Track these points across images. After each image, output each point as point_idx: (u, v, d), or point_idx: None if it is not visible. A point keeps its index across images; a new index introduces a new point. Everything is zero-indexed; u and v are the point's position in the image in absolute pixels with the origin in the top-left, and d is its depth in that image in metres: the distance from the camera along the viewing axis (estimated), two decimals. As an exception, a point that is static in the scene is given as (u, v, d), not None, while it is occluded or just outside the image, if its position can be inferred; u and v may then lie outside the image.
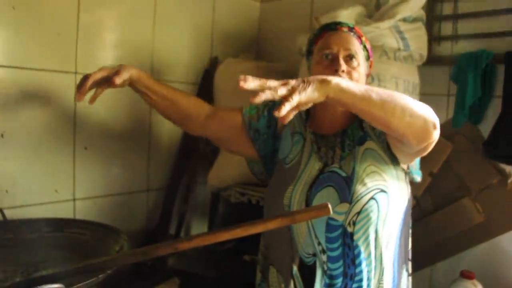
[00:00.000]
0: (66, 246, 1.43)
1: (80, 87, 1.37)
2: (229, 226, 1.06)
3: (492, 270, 1.78)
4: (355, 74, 1.28)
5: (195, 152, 2.22)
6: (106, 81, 1.39)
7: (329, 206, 1.03)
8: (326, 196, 1.24)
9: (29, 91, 1.70)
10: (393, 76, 1.73)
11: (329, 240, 1.23)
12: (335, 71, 1.25)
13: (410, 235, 1.38)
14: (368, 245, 1.23)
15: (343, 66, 1.26)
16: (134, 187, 2.08)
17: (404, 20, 1.78)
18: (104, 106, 1.91)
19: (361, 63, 1.31)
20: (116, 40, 1.94)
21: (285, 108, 0.97)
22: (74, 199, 1.86)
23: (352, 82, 1.09)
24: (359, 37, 1.34)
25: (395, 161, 1.29)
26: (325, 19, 1.73)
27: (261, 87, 0.99)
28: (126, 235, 1.45)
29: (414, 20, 1.81)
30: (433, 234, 1.89)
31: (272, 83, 1.00)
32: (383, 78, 1.71)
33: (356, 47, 1.31)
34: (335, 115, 1.34)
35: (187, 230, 2.28)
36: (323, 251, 1.24)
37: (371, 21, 1.76)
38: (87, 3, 1.81)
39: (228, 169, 2.05)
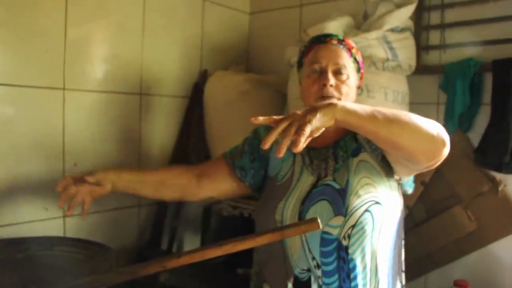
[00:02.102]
0: (55, 265, 1.40)
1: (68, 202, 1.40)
2: (218, 242, 1.05)
3: (486, 278, 1.77)
4: (344, 88, 1.28)
5: (186, 164, 2.20)
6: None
7: (319, 220, 1.03)
8: (320, 210, 1.22)
9: (16, 108, 1.69)
10: (382, 86, 1.73)
11: (323, 255, 1.22)
12: (323, 85, 1.26)
13: (403, 246, 1.37)
14: (363, 258, 1.22)
15: (331, 81, 1.26)
16: (125, 202, 2.06)
17: (392, 30, 1.79)
18: (92, 121, 1.90)
19: (350, 76, 1.30)
20: (105, 55, 1.94)
21: (301, 142, 0.97)
22: (64, 216, 1.84)
23: (357, 104, 1.08)
24: (349, 50, 1.33)
25: (389, 173, 1.28)
26: (313, 31, 1.73)
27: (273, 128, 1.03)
28: (116, 252, 1.43)
29: (402, 30, 1.82)
30: (425, 243, 1.89)
31: (282, 123, 1.02)
32: (372, 88, 1.71)
33: (345, 60, 1.30)
34: (332, 130, 1.29)
35: (179, 245, 2.26)
36: (318, 266, 1.22)
37: (359, 32, 1.77)
38: (74, 19, 1.80)
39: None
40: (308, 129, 0.98)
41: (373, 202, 1.22)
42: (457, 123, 1.84)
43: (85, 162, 1.88)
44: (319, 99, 1.26)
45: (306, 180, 1.29)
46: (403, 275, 1.37)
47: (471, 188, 1.84)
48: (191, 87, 2.26)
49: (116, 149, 2.00)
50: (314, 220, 1.03)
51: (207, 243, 2.20)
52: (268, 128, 1.35)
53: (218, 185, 1.47)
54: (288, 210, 1.26)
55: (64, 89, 1.80)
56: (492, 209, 1.79)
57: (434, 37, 1.95)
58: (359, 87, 1.38)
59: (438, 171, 1.87)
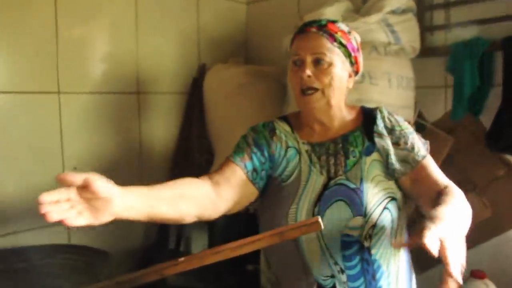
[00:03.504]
0: (56, 274, 1.39)
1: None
2: (216, 248, 1.01)
3: (503, 268, 1.71)
4: (325, 78, 1.21)
5: (189, 163, 2.17)
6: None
7: (320, 220, 0.97)
8: (337, 212, 1.17)
9: (11, 115, 1.66)
10: (385, 72, 1.67)
11: (346, 258, 1.17)
12: (301, 78, 1.21)
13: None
14: (386, 257, 1.19)
15: (308, 72, 1.20)
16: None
17: (393, 12, 1.72)
18: (90, 124, 1.87)
19: (335, 63, 1.22)
20: (99, 55, 1.90)
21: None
22: (67, 222, 1.81)
23: (452, 218, 1.01)
24: (331, 35, 1.24)
25: (394, 170, 1.24)
26: (310, 18, 1.66)
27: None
28: (117, 258, 1.40)
29: (404, 11, 1.75)
30: (439, 233, 1.83)
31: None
32: (375, 75, 1.65)
33: (326, 46, 1.22)
34: (331, 122, 1.27)
35: (187, 244, 2.23)
36: (342, 271, 1.17)
37: (358, 16, 1.71)
38: (65, 20, 1.76)
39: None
40: (463, 266, 0.94)
41: (390, 199, 1.20)
42: (466, 106, 1.77)
43: (85, 166, 1.84)
44: (302, 96, 1.23)
45: (317, 180, 1.22)
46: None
47: (485, 173, 1.77)
48: (190, 82, 2.21)
49: (117, 150, 1.97)
50: (315, 220, 0.97)
51: (214, 241, 2.17)
52: (267, 124, 1.31)
53: (237, 192, 1.21)
54: (301, 214, 1.19)
55: (59, 92, 1.77)
56: (508, 195, 1.73)
57: (438, 17, 1.88)
58: (357, 72, 1.30)
59: (449, 157, 1.81)
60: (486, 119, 1.77)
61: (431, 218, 0.98)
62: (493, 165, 1.76)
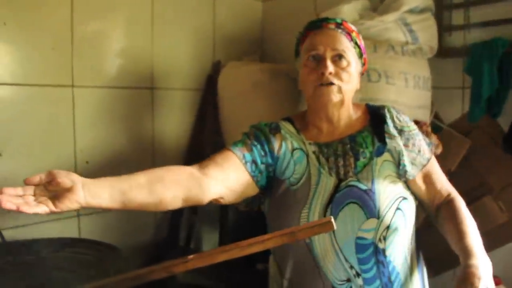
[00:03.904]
0: (66, 267, 1.38)
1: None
2: (225, 246, 1.00)
3: (519, 274, 1.67)
4: (344, 75, 1.19)
5: (202, 160, 2.15)
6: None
7: (332, 220, 0.96)
8: (350, 215, 1.15)
9: (25, 108, 1.67)
10: (402, 72, 1.64)
11: (361, 261, 1.15)
12: (322, 74, 1.17)
13: None
14: (400, 258, 1.19)
15: (330, 68, 1.17)
16: (141, 199, 2.03)
17: (411, 11, 1.70)
18: (103, 118, 1.87)
19: (352, 62, 1.21)
20: (113, 50, 1.90)
21: None
22: (78, 215, 1.82)
23: (483, 253, 1.09)
24: (349, 33, 1.23)
25: (406, 171, 1.23)
26: (327, 15, 1.65)
27: None
28: (127, 253, 1.40)
29: (422, 10, 1.72)
30: (453, 236, 1.79)
31: None
32: (391, 74, 1.62)
33: (345, 45, 1.21)
34: (339, 121, 1.24)
35: (197, 241, 2.22)
36: (358, 274, 1.15)
37: (375, 15, 1.68)
38: (80, 15, 1.77)
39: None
40: None
41: (401, 198, 1.19)
42: (484, 108, 1.73)
43: (97, 160, 1.85)
44: (319, 88, 1.19)
45: (327, 183, 1.19)
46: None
47: (501, 177, 1.74)
48: (204, 79, 2.21)
49: (129, 145, 1.97)
50: (328, 220, 0.96)
51: (225, 239, 2.16)
52: (269, 124, 1.27)
53: (228, 174, 1.15)
54: (313, 218, 1.16)
55: (73, 86, 1.77)
56: (525, 199, 1.69)
57: (457, 17, 1.85)
58: (362, 74, 1.29)
59: (466, 159, 1.78)
60: (504, 121, 1.73)
61: (470, 267, 1.02)
62: (510, 168, 1.72)
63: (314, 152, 1.23)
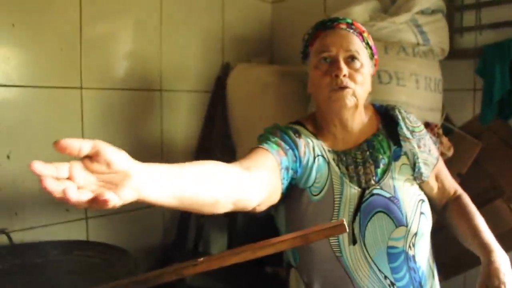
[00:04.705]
0: (73, 270, 1.38)
1: None
2: (236, 248, 0.98)
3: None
4: (358, 77, 1.15)
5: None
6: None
7: (345, 222, 0.94)
8: (379, 224, 1.12)
9: (33, 109, 1.66)
10: (413, 73, 1.63)
11: (394, 270, 1.13)
12: (336, 76, 1.13)
13: None
14: (425, 262, 1.19)
15: (344, 70, 1.13)
16: (149, 201, 2.02)
17: (422, 12, 1.68)
18: (111, 120, 1.86)
19: (364, 64, 1.17)
20: (122, 52, 1.89)
21: None
22: (86, 218, 1.81)
23: (494, 240, 1.12)
24: (360, 34, 1.20)
25: (421, 173, 1.22)
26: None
27: None
28: (140, 253, 1.38)
29: (433, 11, 1.71)
30: (465, 240, 1.77)
31: None
32: (402, 76, 1.60)
33: (358, 45, 1.17)
34: (353, 126, 1.20)
35: (206, 244, 2.21)
36: (392, 284, 1.13)
37: (386, 16, 1.66)
38: (89, 17, 1.76)
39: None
40: None
41: (421, 201, 1.18)
42: (496, 110, 1.72)
43: (106, 162, 1.84)
44: (333, 92, 1.14)
45: (350, 192, 1.14)
46: None
47: (514, 179, 1.71)
48: (213, 81, 2.20)
49: (137, 148, 1.96)
50: (340, 223, 0.94)
51: (233, 242, 2.14)
52: (287, 126, 1.20)
53: (269, 182, 1.00)
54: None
55: (81, 88, 1.77)
56: (538, 202, 1.67)
57: (468, 18, 1.83)
58: (373, 75, 1.26)
59: (477, 162, 1.76)
60: (517, 123, 1.71)
61: (493, 263, 1.04)
62: (523, 171, 1.70)
63: (334, 160, 1.18)
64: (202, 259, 0.99)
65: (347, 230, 0.94)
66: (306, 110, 1.85)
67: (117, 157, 0.61)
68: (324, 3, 2.22)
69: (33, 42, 1.64)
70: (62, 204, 1.75)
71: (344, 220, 0.93)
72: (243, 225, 2.22)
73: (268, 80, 2.02)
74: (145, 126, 1.99)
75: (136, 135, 1.95)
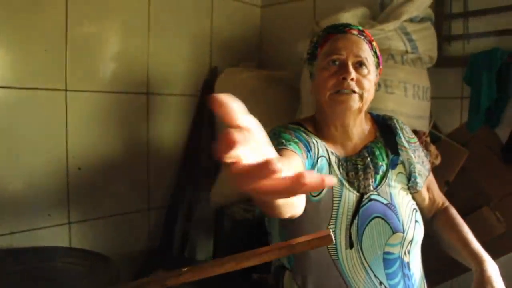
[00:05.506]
0: (55, 278, 1.35)
1: None
2: (220, 259, 0.96)
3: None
4: (365, 83, 1.14)
5: (197, 167, 2.12)
6: None
7: (331, 234, 0.92)
8: (376, 229, 1.12)
9: (17, 111, 1.63)
10: (401, 81, 1.62)
11: (390, 276, 1.13)
12: (343, 79, 1.12)
13: None
14: (418, 270, 1.19)
15: (353, 74, 1.12)
16: (134, 206, 1.99)
17: (411, 20, 1.69)
18: (97, 124, 1.84)
19: (371, 71, 1.17)
20: (109, 54, 1.86)
21: None
22: (69, 223, 1.77)
23: (483, 250, 1.16)
24: (370, 42, 1.20)
25: (417, 183, 1.23)
26: (326, 23, 1.63)
27: None
28: (120, 261, 1.36)
29: (422, 20, 1.71)
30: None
31: None
32: (391, 83, 1.60)
33: (367, 53, 1.17)
34: (352, 131, 1.20)
35: (192, 249, 2.18)
36: None
37: (375, 23, 1.66)
38: (75, 18, 1.73)
39: (232, 185, 1.95)
40: None
41: (415, 210, 1.19)
42: (483, 118, 1.72)
43: (90, 166, 1.81)
44: (336, 94, 1.14)
45: (349, 197, 1.14)
46: None
47: (499, 187, 1.72)
48: (201, 85, 2.18)
49: (123, 152, 1.93)
50: (327, 234, 0.92)
51: (219, 247, 2.12)
52: (298, 128, 1.17)
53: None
54: (341, 235, 1.11)
55: (66, 90, 1.74)
56: (523, 211, 1.67)
57: (456, 27, 1.83)
58: (376, 84, 1.24)
59: (463, 169, 1.76)
60: (503, 131, 1.72)
61: (486, 272, 1.10)
62: (508, 179, 1.71)
63: (336, 163, 1.18)
64: (185, 269, 0.98)
65: (333, 241, 0.93)
66: (294, 115, 1.84)
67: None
68: (313, 8, 2.22)
69: (17, 43, 1.61)
70: (44, 208, 1.72)
71: (331, 231, 0.92)
72: (229, 230, 2.20)
73: (256, 85, 2.01)
74: (131, 129, 1.96)
75: (122, 138, 1.93)
